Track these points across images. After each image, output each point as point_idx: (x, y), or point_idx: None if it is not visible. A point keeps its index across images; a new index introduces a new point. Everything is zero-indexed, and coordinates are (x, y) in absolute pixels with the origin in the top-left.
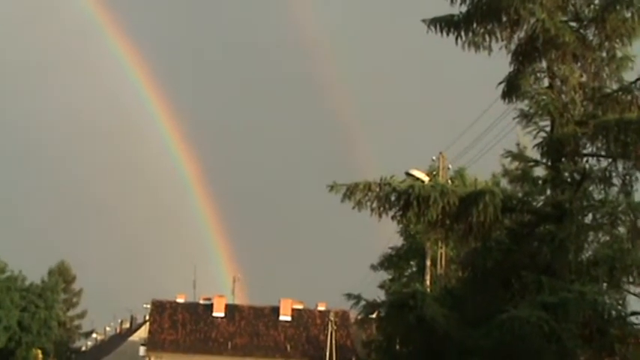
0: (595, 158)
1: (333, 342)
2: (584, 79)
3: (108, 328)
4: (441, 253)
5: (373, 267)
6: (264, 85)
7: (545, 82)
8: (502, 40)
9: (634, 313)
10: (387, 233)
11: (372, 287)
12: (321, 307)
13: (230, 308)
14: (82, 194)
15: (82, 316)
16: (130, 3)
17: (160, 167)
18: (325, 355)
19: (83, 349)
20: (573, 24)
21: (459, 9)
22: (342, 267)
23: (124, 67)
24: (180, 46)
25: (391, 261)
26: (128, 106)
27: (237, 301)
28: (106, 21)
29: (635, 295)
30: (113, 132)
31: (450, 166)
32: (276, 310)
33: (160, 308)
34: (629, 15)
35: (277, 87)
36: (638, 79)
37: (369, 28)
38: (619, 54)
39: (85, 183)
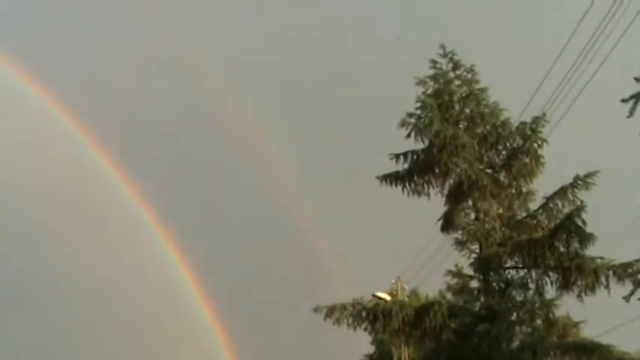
0: (515, 270)
1: None
2: (500, 210)
3: None
4: (405, 356)
5: None
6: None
7: (472, 216)
8: (437, 187)
9: None
10: (362, 344)
11: None
12: None
13: None
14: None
15: None
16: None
17: (178, 305)
18: None
19: None
20: (489, 170)
21: (402, 166)
22: None
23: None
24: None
25: None
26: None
27: None
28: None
29: None
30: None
31: (407, 287)
32: None
33: None
34: (528, 160)
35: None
36: (539, 208)
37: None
38: (524, 190)
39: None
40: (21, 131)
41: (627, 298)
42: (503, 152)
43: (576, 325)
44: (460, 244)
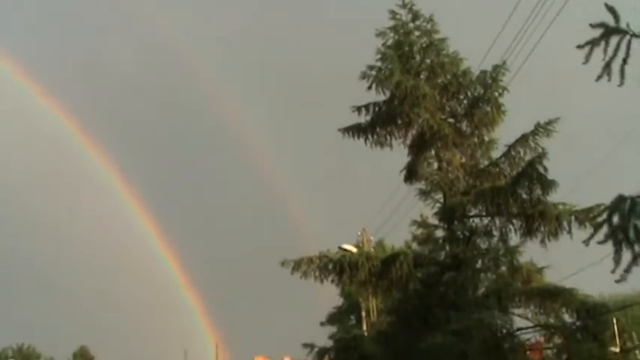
0: (479, 218)
1: None
2: (463, 160)
3: None
4: (373, 306)
5: (322, 323)
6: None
7: (435, 166)
8: (399, 138)
9: (519, 329)
10: (331, 296)
11: (324, 339)
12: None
13: None
14: (92, 294)
15: None
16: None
17: (153, 268)
18: None
19: None
20: (450, 119)
21: (364, 118)
22: (300, 326)
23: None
24: None
25: (335, 317)
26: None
27: None
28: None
29: (518, 315)
30: (114, 242)
31: (372, 238)
32: None
33: None
34: (489, 109)
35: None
36: (501, 156)
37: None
38: (486, 139)
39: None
40: None
41: (586, 242)
42: (465, 101)
43: (540, 270)
44: (424, 194)
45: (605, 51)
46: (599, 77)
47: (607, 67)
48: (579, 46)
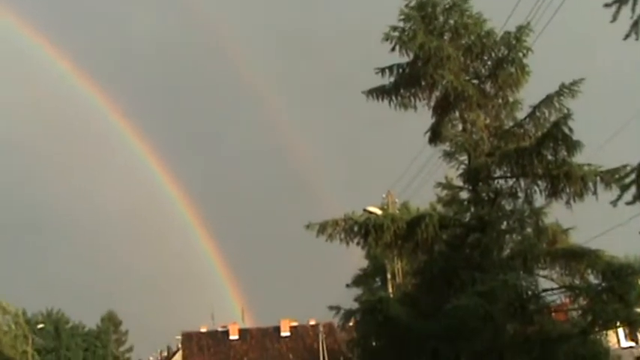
0: (503, 179)
1: (325, 348)
2: (487, 121)
3: (151, 358)
4: (398, 268)
5: (348, 286)
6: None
7: (460, 127)
8: (424, 100)
9: (544, 290)
10: (356, 259)
11: (349, 301)
12: (312, 322)
13: (242, 331)
14: (119, 261)
15: (130, 350)
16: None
17: (179, 234)
18: (320, 359)
19: None
20: (474, 81)
21: (388, 80)
22: (325, 289)
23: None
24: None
25: (361, 279)
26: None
27: (247, 325)
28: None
29: (544, 277)
30: (137, 208)
31: (397, 200)
32: (277, 329)
33: (188, 338)
34: (513, 70)
35: (262, 163)
36: (526, 117)
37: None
38: (511, 99)
39: (120, 251)
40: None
41: (614, 203)
42: (489, 62)
43: (565, 231)
44: (449, 155)
45: (633, 9)
46: (627, 36)
47: (635, 25)
48: (607, 5)
